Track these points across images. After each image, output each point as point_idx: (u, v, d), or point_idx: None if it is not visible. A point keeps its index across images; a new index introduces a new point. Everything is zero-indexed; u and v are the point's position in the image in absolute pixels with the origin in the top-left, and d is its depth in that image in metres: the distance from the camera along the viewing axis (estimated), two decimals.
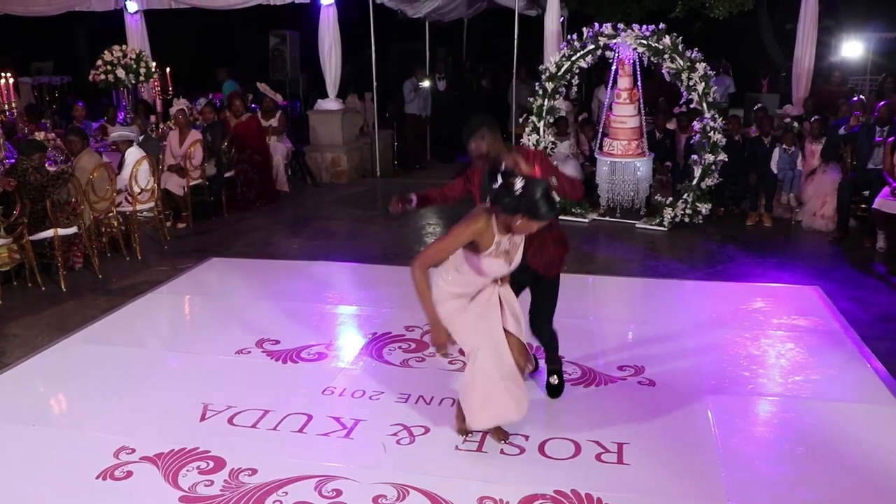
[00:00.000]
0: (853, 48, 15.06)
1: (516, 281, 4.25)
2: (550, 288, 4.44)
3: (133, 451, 4.01)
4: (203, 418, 4.38)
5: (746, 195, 8.81)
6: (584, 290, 6.49)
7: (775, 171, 8.62)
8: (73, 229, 6.79)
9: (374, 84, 12.08)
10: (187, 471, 3.83)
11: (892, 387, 4.64)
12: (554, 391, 4.62)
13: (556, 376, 4.66)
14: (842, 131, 8.46)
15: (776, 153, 8.60)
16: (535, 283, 4.43)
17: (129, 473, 3.81)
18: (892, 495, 3.58)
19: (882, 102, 8.30)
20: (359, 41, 12.55)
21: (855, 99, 9.31)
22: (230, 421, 4.34)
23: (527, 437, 4.08)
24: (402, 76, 13.29)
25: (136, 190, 7.60)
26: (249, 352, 5.30)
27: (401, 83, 13.02)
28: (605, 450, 3.96)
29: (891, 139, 7.49)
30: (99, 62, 10.45)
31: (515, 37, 11.40)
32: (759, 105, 9.99)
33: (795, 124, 8.97)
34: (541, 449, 3.98)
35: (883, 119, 7.91)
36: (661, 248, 7.90)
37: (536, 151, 4.41)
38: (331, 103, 11.65)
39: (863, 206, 8.03)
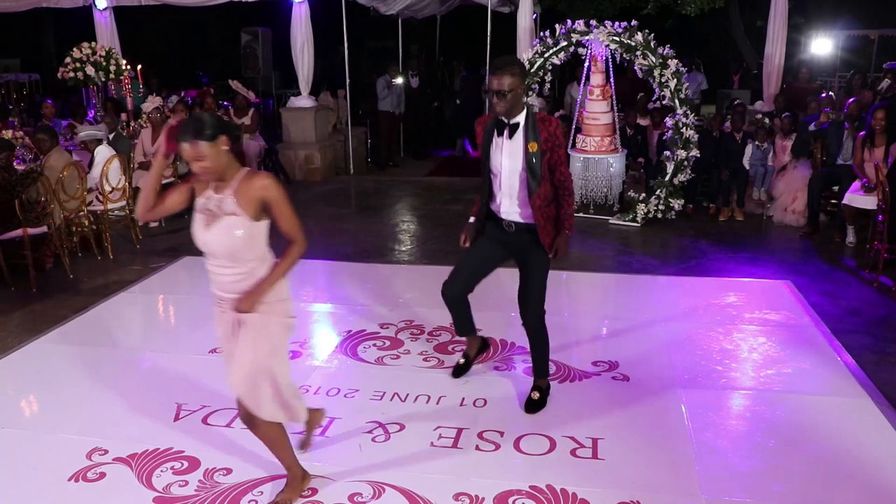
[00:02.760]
0: (822, 45, 15.28)
1: (489, 256, 4.28)
2: (541, 261, 4.12)
3: (106, 452, 3.96)
4: (177, 418, 4.34)
5: (719, 191, 8.89)
6: (557, 286, 6.50)
7: (747, 167, 8.71)
8: (43, 229, 6.69)
9: (347, 81, 12.03)
10: (161, 471, 3.79)
11: (861, 380, 4.70)
12: (531, 406, 4.31)
13: (537, 391, 4.35)
14: (812, 128, 8.57)
15: (748, 149, 8.70)
16: (524, 258, 4.17)
17: (102, 475, 3.77)
18: (861, 485, 3.64)
19: (851, 99, 8.43)
20: (331, 38, 12.50)
21: (824, 95, 9.43)
22: (204, 420, 4.31)
23: (502, 434, 4.09)
24: (376, 73, 13.26)
25: (108, 189, 7.51)
26: (223, 350, 5.24)
27: (374, 80, 13.00)
28: (579, 445, 3.97)
29: (861, 134, 7.59)
30: (68, 59, 10.32)
31: (488, 34, 11.41)
32: (738, 101, 10.08)
33: (767, 121, 9.07)
34: (516, 445, 3.99)
35: (852, 116, 8.02)
36: (635, 243, 7.96)
37: (555, 121, 4.10)
38: (303, 101, 11.59)
39: (833, 201, 8.14)
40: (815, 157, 8.57)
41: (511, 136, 3.98)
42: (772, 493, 3.60)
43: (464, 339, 4.82)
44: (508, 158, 4.00)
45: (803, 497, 3.57)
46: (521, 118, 3.98)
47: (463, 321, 4.53)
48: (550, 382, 4.51)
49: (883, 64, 13.78)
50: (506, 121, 3.99)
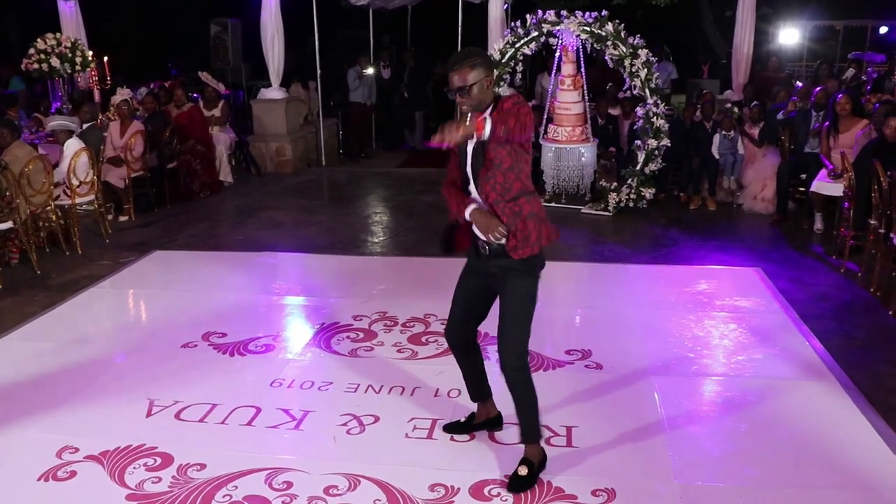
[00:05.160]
0: (790, 35, 15.46)
1: (471, 287, 3.63)
2: (516, 296, 3.44)
3: (77, 450, 3.92)
4: (149, 414, 4.30)
5: (690, 180, 8.96)
6: None
7: (716, 155, 8.79)
8: (9, 224, 6.58)
9: (318, 72, 11.96)
10: (134, 468, 3.76)
11: (829, 364, 4.77)
12: (516, 484, 3.55)
13: (525, 466, 3.59)
14: (780, 116, 8.66)
15: (716, 138, 8.77)
16: (499, 292, 3.53)
17: (73, 473, 3.72)
18: (830, 467, 3.70)
19: (818, 88, 8.53)
20: (302, 29, 12.40)
21: (800, 85, 9.52)
22: (177, 416, 4.28)
23: None
24: (347, 64, 13.19)
25: (75, 182, 7.41)
26: (196, 345, 5.22)
27: (345, 71, 12.93)
28: (554, 433, 3.99)
29: (825, 124, 7.69)
30: (32, 51, 10.15)
31: (459, 24, 11.38)
32: (706, 90, 10.16)
33: (736, 109, 9.15)
34: (491, 435, 4.00)
35: (819, 104, 8.12)
36: (607, 232, 8.00)
37: (513, 99, 3.36)
38: (274, 92, 11.51)
39: (801, 189, 8.23)
40: (784, 146, 8.67)
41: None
42: (744, 476, 3.64)
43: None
44: (472, 159, 3.41)
45: (775, 480, 3.62)
46: (487, 113, 3.31)
47: (472, 379, 3.89)
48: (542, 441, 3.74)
49: (847, 54, 13.99)
50: None
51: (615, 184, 8.71)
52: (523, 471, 3.59)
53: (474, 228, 3.45)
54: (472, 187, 3.46)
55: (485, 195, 3.39)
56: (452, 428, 4.06)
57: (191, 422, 4.22)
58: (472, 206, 3.39)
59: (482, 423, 4.02)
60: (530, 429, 3.60)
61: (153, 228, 8.37)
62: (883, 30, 17.02)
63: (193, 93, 11.24)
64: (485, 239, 3.42)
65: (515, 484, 3.56)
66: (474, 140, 3.35)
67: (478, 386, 3.92)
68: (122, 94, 9.10)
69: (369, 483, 3.60)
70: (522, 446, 3.67)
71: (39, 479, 3.69)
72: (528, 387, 3.55)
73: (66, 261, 7.17)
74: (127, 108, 8.86)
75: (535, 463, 3.62)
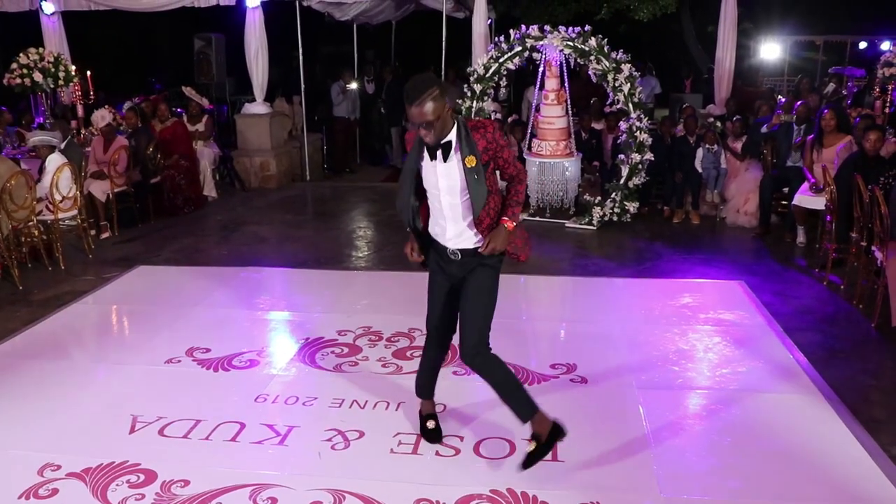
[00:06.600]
0: (771, 50, 15.66)
1: (444, 288, 3.75)
2: (485, 281, 3.63)
3: (59, 467, 3.88)
4: (132, 430, 4.27)
5: (673, 193, 9.02)
6: (515, 290, 6.54)
7: (700, 169, 8.85)
8: None
9: (302, 87, 11.97)
10: (117, 485, 3.72)
11: (812, 376, 4.80)
12: (527, 462, 3.66)
13: (533, 442, 3.67)
14: (764, 129, 8.74)
15: (700, 152, 8.83)
16: (466, 281, 3.66)
17: (55, 491, 3.68)
18: (814, 480, 3.71)
19: (799, 102, 8.62)
20: (286, 44, 12.42)
21: (783, 100, 9.63)
22: (161, 432, 4.24)
23: (462, 438, 4.09)
24: (331, 79, 13.20)
25: (58, 198, 7.36)
26: (179, 361, 5.19)
27: (329, 86, 12.95)
28: None
29: (810, 137, 7.77)
30: (14, 65, 10.09)
31: (443, 39, 11.43)
32: (686, 104, 10.25)
33: (718, 124, 9.23)
34: (476, 449, 4.00)
35: (800, 118, 8.20)
36: (591, 246, 8.03)
37: (490, 124, 3.52)
38: (258, 107, 11.49)
39: (783, 202, 8.30)
40: (766, 160, 8.74)
41: (445, 157, 3.45)
42: (728, 489, 3.65)
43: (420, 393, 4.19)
44: (446, 180, 3.49)
45: (759, 492, 3.63)
46: (451, 135, 3.44)
47: (430, 374, 4.06)
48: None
49: (828, 68, 14.17)
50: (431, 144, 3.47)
51: (599, 198, 8.75)
52: (530, 447, 3.67)
53: (446, 238, 3.61)
54: (440, 209, 3.58)
55: (478, 224, 3.52)
56: (438, 435, 4.09)
57: (174, 438, 4.19)
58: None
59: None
60: (520, 407, 3.69)
61: (137, 244, 8.33)
62: (862, 45, 17.27)
63: (177, 108, 11.22)
64: (455, 248, 3.60)
65: (527, 461, 3.66)
66: (445, 166, 3.46)
67: (431, 382, 4.07)
68: (103, 115, 8.96)
69: (354, 499, 3.59)
70: (508, 461, 3.73)
71: (20, 497, 3.65)
72: (498, 366, 3.68)
73: (48, 276, 7.12)
74: (108, 128, 8.81)
75: (543, 435, 3.65)
